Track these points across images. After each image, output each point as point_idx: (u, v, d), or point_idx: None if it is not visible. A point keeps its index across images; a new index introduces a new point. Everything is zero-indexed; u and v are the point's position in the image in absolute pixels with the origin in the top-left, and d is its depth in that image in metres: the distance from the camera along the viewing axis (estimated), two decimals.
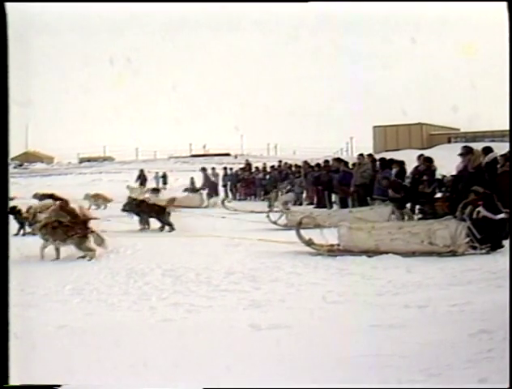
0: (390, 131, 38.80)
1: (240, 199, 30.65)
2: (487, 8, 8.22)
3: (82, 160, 61.79)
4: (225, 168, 33.21)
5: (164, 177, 38.33)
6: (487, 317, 6.83)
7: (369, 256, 11.35)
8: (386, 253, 11.61)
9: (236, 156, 41.91)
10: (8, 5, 5.68)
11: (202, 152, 50.41)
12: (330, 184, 21.97)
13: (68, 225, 11.86)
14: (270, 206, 21.99)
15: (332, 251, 12.07)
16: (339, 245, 12.20)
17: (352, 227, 12.38)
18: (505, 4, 5.97)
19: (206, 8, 9.65)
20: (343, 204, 20.47)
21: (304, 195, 26.76)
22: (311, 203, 24.76)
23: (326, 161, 25.38)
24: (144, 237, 15.21)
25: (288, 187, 27.09)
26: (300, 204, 25.58)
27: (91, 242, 11.83)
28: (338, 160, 23.86)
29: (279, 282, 9.56)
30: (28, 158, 63.82)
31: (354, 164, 21.34)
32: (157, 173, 38.62)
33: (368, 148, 32.04)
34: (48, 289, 9.34)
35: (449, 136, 38.71)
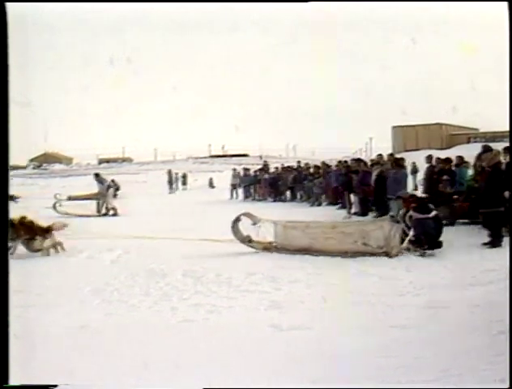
0: (409, 131, 38.68)
1: (258, 200, 30.83)
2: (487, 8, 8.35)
3: (101, 161, 62.07)
4: (245, 169, 33.38)
5: (184, 177, 38.72)
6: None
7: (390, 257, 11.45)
8: (320, 251, 11.90)
9: (261, 157, 42.04)
10: (8, 5, 5.88)
11: (221, 153, 50.54)
12: (349, 184, 22.09)
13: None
14: None
15: (268, 249, 12.40)
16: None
17: (287, 225, 12.65)
18: (505, 4, 6.15)
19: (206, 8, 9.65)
20: (363, 204, 20.61)
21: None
22: (330, 204, 24.88)
23: (345, 161, 25.50)
24: None
25: None
26: (319, 205, 25.74)
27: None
28: (357, 160, 23.96)
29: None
30: (47, 159, 64.23)
31: (372, 164, 21.38)
32: (177, 173, 38.96)
33: (387, 149, 32.05)
34: None
35: (468, 136, 38.57)
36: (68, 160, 66.95)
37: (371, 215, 18.95)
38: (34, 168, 59.83)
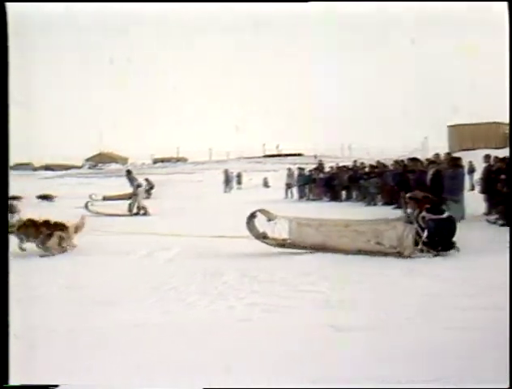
0: (464, 130, 38.22)
1: (313, 199, 30.93)
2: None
3: (155, 161, 62.86)
4: (299, 169, 33.47)
5: (239, 176, 39.11)
6: None
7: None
8: (333, 249, 11.96)
9: (315, 156, 42.21)
10: (8, 5, 5.86)
11: (275, 153, 50.78)
12: (406, 184, 21.98)
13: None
14: None
15: (282, 245, 12.47)
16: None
17: (301, 222, 12.67)
18: (505, 4, 6.17)
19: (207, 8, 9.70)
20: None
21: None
22: (386, 203, 24.82)
23: (402, 161, 25.39)
24: None
25: None
26: (375, 204, 25.76)
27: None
28: (413, 159, 23.82)
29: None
30: (102, 159, 65.25)
31: (429, 164, 21.23)
32: (231, 172, 39.35)
33: (442, 148, 31.81)
34: None
35: None
36: (123, 160, 67.94)
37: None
38: (89, 167, 60.89)
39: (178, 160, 62.10)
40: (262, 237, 12.75)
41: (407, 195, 13.33)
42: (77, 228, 13.63)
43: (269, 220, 12.88)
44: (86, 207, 25.74)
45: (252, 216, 13.11)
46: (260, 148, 53.49)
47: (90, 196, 28.50)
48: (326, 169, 33.11)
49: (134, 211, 24.77)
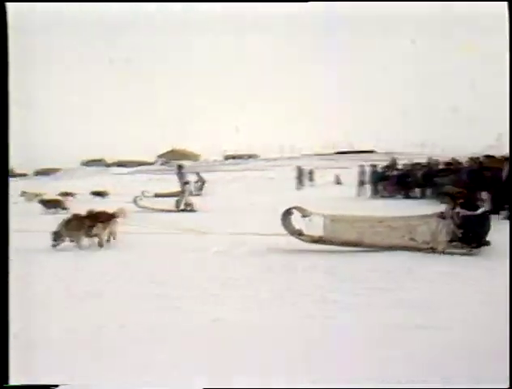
0: None
1: (386, 197, 30.59)
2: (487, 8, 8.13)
3: (227, 158, 63.16)
4: (372, 166, 33.16)
5: (311, 173, 39.04)
6: None
7: None
8: (367, 246, 12.05)
9: (388, 153, 41.79)
10: (8, 5, 6.02)
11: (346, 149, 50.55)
12: (481, 181, 21.55)
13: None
14: None
15: (317, 242, 12.49)
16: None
17: (335, 218, 12.65)
18: (505, 4, 5.99)
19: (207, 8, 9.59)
20: (495, 202, 20.13)
21: None
22: None
23: (477, 158, 24.88)
24: None
25: None
26: None
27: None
28: (489, 156, 23.36)
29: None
30: (174, 155, 65.83)
31: (504, 160, 20.77)
32: (303, 169, 39.33)
33: None
34: None
35: None
36: (195, 157, 68.54)
37: (503, 214, 18.44)
38: (162, 164, 61.49)
39: (250, 156, 62.32)
40: (298, 233, 12.79)
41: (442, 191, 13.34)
42: (116, 216, 14.22)
43: (303, 216, 12.90)
44: (134, 202, 26.77)
45: (288, 213, 13.13)
46: (331, 145, 53.35)
47: (142, 193, 29.49)
48: (399, 166, 32.72)
49: (182, 207, 25.50)
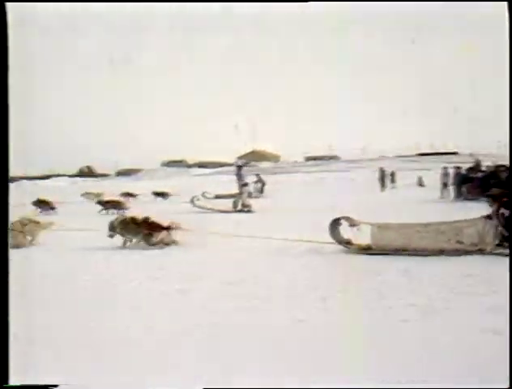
0: None
1: (470, 199, 29.98)
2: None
3: (308, 159, 63.26)
4: (455, 168, 32.56)
5: (393, 175, 38.73)
6: None
7: None
8: (415, 251, 11.98)
9: (471, 155, 41.05)
10: (8, 5, 6.02)
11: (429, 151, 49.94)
12: None
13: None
14: None
15: (365, 250, 12.59)
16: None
17: (382, 226, 12.73)
18: (505, 4, 5.84)
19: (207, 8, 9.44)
20: None
21: None
22: None
23: None
24: None
25: None
26: None
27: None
28: None
29: None
30: (255, 157, 66.31)
31: None
32: (385, 171, 39.07)
33: None
34: None
35: None
36: (275, 158, 68.88)
37: None
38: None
39: (331, 158, 62.26)
40: (346, 242, 12.99)
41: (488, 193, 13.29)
42: (169, 228, 14.53)
43: (351, 225, 13.12)
44: (192, 202, 27.71)
45: (336, 223, 13.29)
46: (414, 147, 52.75)
47: (203, 194, 30.67)
48: (483, 168, 32.07)
49: (239, 208, 25.91)
